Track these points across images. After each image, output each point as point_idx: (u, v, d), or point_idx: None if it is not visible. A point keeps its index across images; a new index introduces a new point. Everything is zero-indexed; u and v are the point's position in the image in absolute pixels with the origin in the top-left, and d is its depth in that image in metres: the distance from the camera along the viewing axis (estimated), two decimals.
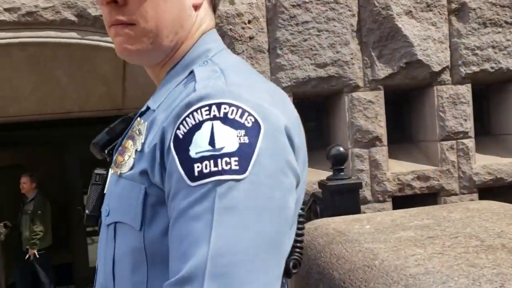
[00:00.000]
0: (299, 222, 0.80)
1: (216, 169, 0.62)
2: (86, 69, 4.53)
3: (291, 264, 0.77)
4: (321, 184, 2.59)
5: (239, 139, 0.63)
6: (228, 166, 0.62)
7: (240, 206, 0.61)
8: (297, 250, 0.79)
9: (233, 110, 0.65)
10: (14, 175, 5.97)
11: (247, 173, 0.62)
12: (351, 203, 2.32)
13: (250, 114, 0.65)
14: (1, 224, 5.53)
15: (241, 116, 0.65)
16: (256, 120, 0.65)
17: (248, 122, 0.65)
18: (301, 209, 0.82)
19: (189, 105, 0.66)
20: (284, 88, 4.40)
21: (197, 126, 0.64)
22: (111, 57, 4.49)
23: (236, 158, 0.63)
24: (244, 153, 0.63)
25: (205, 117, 0.65)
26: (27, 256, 5.61)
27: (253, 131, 0.64)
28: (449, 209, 1.24)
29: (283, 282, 0.77)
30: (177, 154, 0.64)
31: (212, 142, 0.63)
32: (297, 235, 0.80)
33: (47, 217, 5.90)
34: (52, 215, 6.00)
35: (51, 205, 6.01)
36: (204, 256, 0.58)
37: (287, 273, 0.76)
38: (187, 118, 0.65)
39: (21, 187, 5.75)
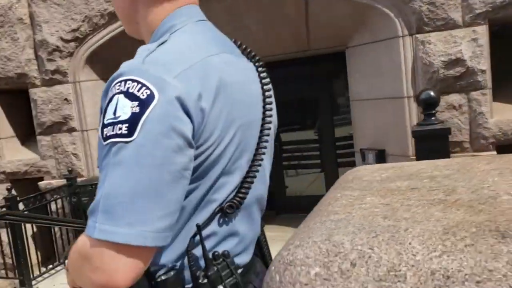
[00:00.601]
0: (248, 177, 0.94)
1: (113, 133, 0.79)
2: (272, 13, 4.85)
3: (226, 205, 0.91)
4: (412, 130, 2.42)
5: (132, 109, 0.78)
6: (120, 131, 0.78)
7: (125, 162, 0.78)
8: (239, 195, 0.93)
9: (134, 86, 0.79)
10: None
11: (133, 136, 0.78)
12: (440, 150, 2.11)
13: (147, 88, 0.79)
14: None
15: (138, 90, 0.79)
16: (151, 93, 0.79)
17: (143, 95, 0.79)
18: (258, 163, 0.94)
19: (111, 80, 0.83)
20: (477, 15, 4.02)
21: (111, 99, 0.81)
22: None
23: (127, 125, 0.78)
24: (133, 121, 0.78)
25: (115, 91, 0.81)
26: None
27: (146, 102, 0.78)
28: (484, 161, 1.11)
29: (223, 220, 0.91)
30: (101, 120, 0.83)
31: (115, 112, 0.79)
32: (243, 182, 0.93)
33: None
34: None
35: None
36: (99, 196, 0.79)
37: (221, 211, 0.91)
38: (108, 92, 0.83)
39: None
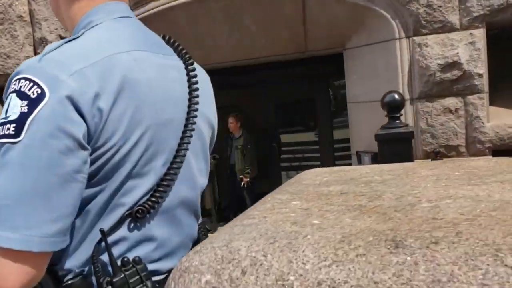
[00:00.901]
0: (164, 179, 0.90)
1: (1, 133, 0.77)
2: (270, 13, 4.82)
3: (135, 209, 0.87)
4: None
5: (21, 108, 0.77)
6: (8, 132, 0.76)
7: (11, 163, 0.75)
8: (152, 199, 0.89)
9: (26, 84, 0.77)
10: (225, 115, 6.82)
11: (21, 137, 0.75)
12: (402, 153, 2.06)
13: (38, 87, 0.77)
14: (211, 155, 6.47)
15: (29, 89, 0.77)
16: (42, 91, 0.76)
17: (34, 94, 0.77)
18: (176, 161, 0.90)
19: (9, 79, 0.81)
20: (474, 18, 3.95)
21: (6, 97, 0.79)
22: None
23: (14, 125, 0.76)
24: (21, 121, 0.76)
25: (10, 90, 0.79)
26: (242, 183, 6.50)
27: (35, 102, 0.76)
28: (431, 166, 1.06)
29: (135, 225, 0.89)
30: None
31: (6, 111, 0.78)
32: (159, 185, 0.90)
33: (254, 151, 6.65)
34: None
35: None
36: None
37: (131, 216, 0.88)
38: (7, 87, 0.81)
39: (228, 126, 6.57)
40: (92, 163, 0.82)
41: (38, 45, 5.44)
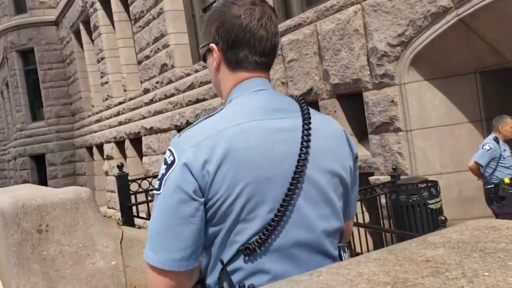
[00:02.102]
0: (270, 224, 1.10)
1: (155, 186, 1.14)
2: None
3: (244, 247, 1.10)
4: None
5: (163, 170, 1.11)
6: (156, 186, 1.13)
7: (156, 208, 1.11)
8: (258, 240, 1.09)
9: (168, 154, 1.12)
10: None
11: (160, 190, 1.11)
12: None
13: (172, 155, 1.10)
14: None
15: (168, 157, 1.11)
16: (174, 159, 1.10)
17: (169, 161, 1.11)
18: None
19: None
20: None
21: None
22: None
23: (158, 182, 1.12)
24: (161, 179, 1.11)
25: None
26: None
27: (169, 166, 1.10)
28: None
29: (248, 258, 1.10)
30: None
31: (160, 171, 1.14)
32: (269, 225, 1.10)
33: None
34: None
35: None
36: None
37: (243, 251, 1.10)
38: None
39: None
40: (208, 210, 1.09)
41: (370, 54, 5.92)
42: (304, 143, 1.13)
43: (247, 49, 1.19)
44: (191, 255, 1.10)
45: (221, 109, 1.19)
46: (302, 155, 1.12)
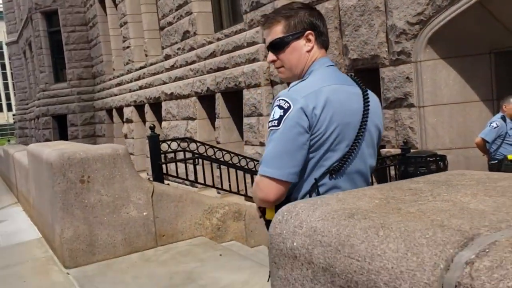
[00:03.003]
0: (346, 155, 1.56)
1: (271, 124, 1.53)
2: None
3: (330, 169, 1.55)
4: None
5: (281, 112, 1.50)
6: (274, 124, 1.51)
7: (275, 139, 1.50)
8: (338, 166, 1.56)
9: (283, 102, 1.51)
10: None
11: (279, 127, 1.49)
12: None
13: (287, 103, 1.50)
14: None
15: (284, 104, 1.51)
16: (289, 105, 1.50)
17: (285, 106, 1.50)
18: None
19: (275, 98, 1.56)
20: None
21: (273, 108, 1.55)
22: None
23: (276, 121, 1.50)
24: (280, 119, 1.50)
25: (275, 104, 1.53)
26: None
27: (286, 110, 1.49)
28: None
29: (330, 177, 1.57)
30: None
31: (273, 115, 1.53)
32: (342, 159, 1.56)
33: None
34: None
35: None
36: (264, 156, 1.54)
37: (328, 172, 1.56)
38: (273, 104, 1.56)
39: None
40: (311, 141, 1.50)
41: (389, 31, 6.15)
42: (366, 104, 1.60)
43: (326, 35, 1.72)
44: (298, 172, 1.53)
45: (309, 77, 1.63)
46: (366, 111, 1.60)
